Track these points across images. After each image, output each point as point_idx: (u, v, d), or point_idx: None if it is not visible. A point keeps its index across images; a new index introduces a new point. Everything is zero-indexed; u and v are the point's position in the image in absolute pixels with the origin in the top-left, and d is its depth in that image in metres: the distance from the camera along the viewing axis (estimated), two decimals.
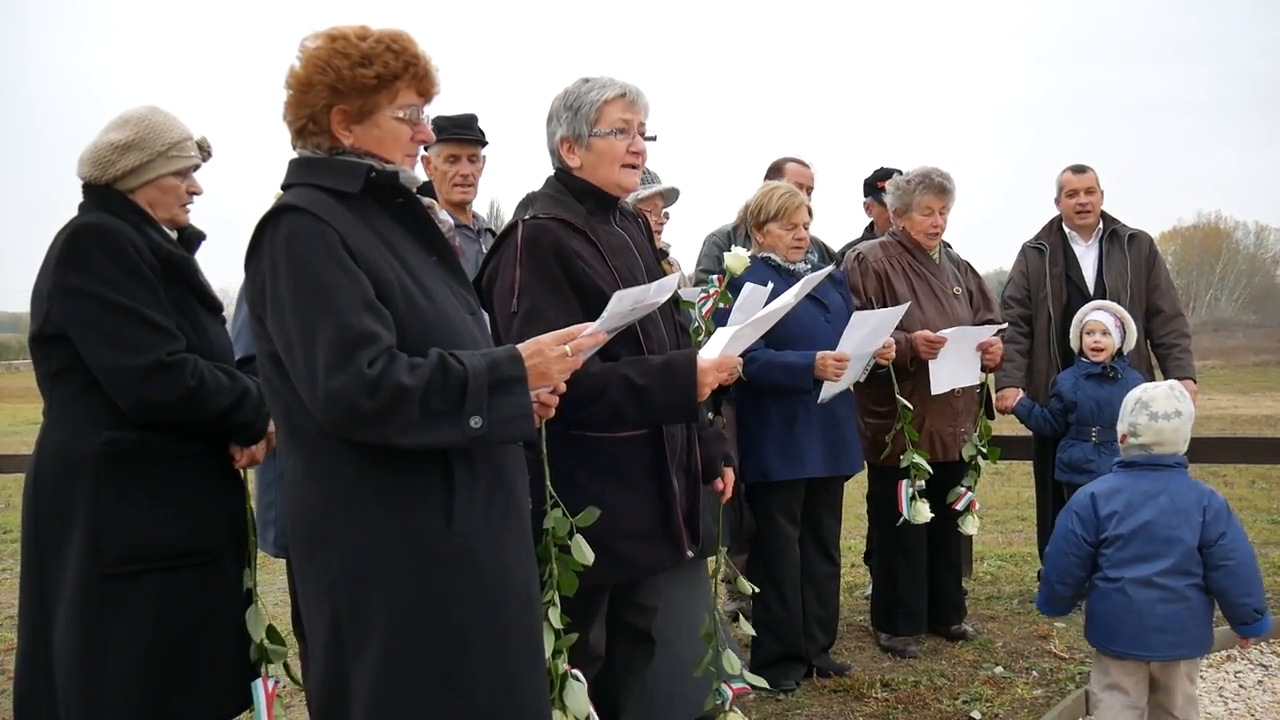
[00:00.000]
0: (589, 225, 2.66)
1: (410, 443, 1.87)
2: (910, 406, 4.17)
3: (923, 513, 4.13)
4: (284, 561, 2.99)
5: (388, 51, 2.02)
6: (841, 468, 4.04)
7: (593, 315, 2.42)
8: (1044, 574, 3.31)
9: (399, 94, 2.05)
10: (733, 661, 2.99)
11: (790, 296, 2.72)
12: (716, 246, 5.05)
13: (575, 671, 2.44)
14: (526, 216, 2.67)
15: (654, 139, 2.77)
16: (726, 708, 2.98)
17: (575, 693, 2.39)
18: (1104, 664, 3.09)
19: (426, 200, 2.16)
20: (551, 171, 2.79)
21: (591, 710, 2.44)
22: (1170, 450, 3.06)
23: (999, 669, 4.11)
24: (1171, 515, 2.97)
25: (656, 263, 2.89)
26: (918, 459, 4.13)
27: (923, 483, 4.16)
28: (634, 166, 2.72)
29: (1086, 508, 3.08)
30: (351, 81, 2.00)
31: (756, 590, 3.21)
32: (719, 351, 2.58)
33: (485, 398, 1.89)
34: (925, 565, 4.45)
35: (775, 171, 5.05)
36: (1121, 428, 3.14)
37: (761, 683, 3.16)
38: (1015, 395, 4.87)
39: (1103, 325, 4.52)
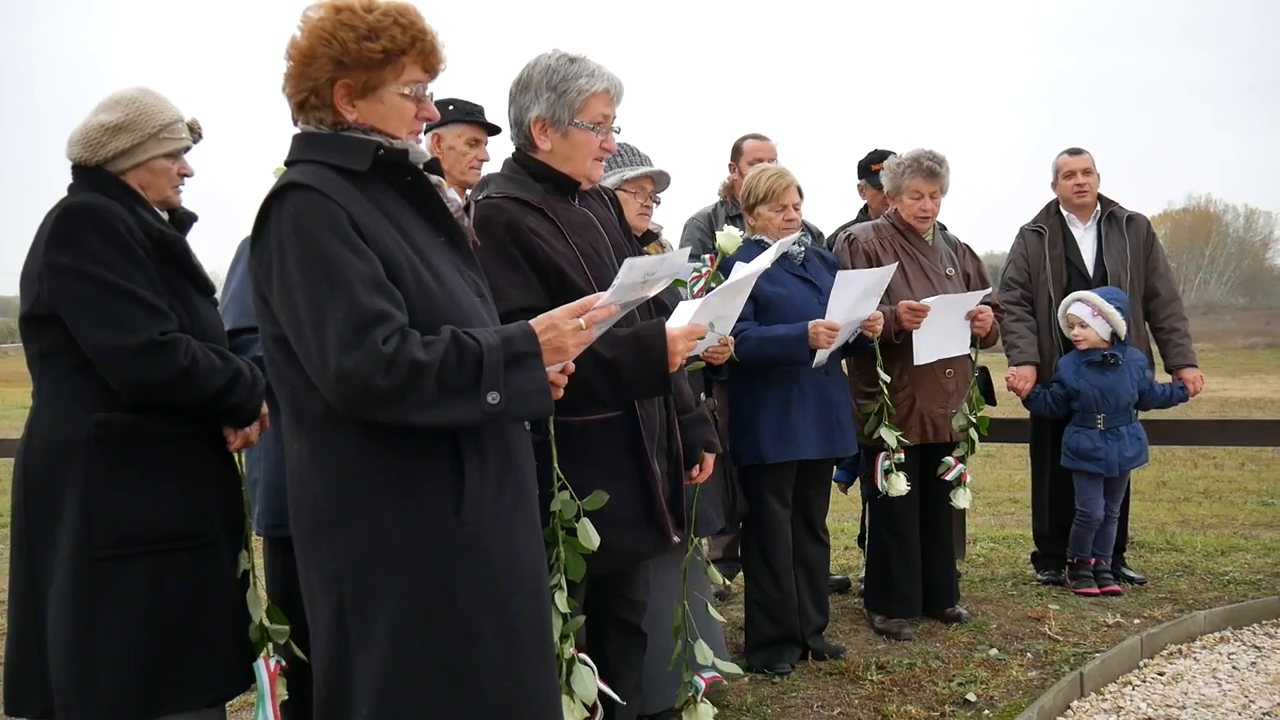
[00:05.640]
0: (546, 203, 2.60)
1: (427, 421, 1.82)
2: (889, 381, 4.16)
3: (897, 485, 4.14)
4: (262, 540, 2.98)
5: (395, 25, 1.96)
6: (835, 450, 4.04)
7: (554, 292, 2.36)
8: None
9: (405, 69, 1.99)
10: (704, 652, 2.91)
11: (763, 262, 2.69)
12: (699, 230, 5.06)
13: (583, 656, 2.41)
14: (480, 197, 2.62)
15: (619, 131, 2.71)
16: (699, 700, 2.90)
17: (583, 677, 2.36)
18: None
19: (435, 179, 2.08)
20: (511, 145, 2.72)
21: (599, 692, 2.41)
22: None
23: (994, 651, 4.11)
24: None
25: (626, 241, 2.83)
26: (884, 434, 4.14)
27: (900, 456, 4.16)
28: (601, 159, 2.69)
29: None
30: (357, 55, 1.94)
31: (726, 583, 3.17)
32: (688, 320, 2.50)
33: (501, 373, 1.84)
34: (918, 547, 4.45)
35: (736, 151, 5.10)
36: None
37: (733, 669, 3.10)
38: (1031, 375, 4.88)
39: (1078, 318, 4.74)
